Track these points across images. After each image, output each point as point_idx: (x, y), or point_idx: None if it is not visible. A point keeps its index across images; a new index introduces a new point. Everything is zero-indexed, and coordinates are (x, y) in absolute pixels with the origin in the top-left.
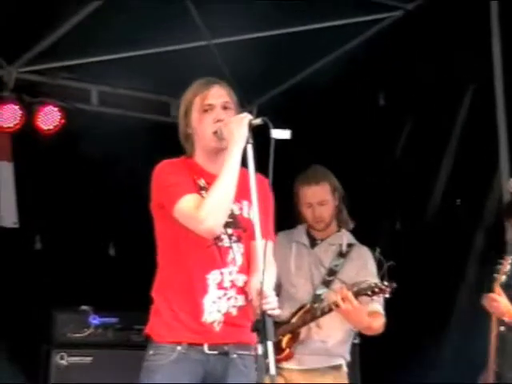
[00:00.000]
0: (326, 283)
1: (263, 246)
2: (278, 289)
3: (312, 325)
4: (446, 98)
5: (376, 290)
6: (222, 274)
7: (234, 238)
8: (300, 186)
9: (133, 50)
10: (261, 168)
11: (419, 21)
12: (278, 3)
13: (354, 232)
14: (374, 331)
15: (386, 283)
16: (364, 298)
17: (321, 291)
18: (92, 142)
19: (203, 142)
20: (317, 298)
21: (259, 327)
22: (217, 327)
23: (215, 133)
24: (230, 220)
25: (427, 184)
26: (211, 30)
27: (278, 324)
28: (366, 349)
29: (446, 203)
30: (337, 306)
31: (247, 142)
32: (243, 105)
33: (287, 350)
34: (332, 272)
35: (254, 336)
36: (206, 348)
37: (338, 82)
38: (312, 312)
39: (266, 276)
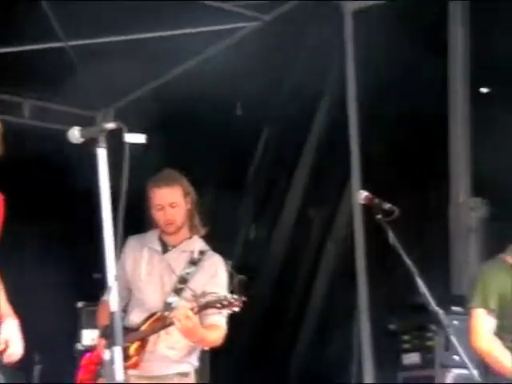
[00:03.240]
0: (177, 291)
1: None
2: (129, 294)
3: (161, 331)
4: (301, 109)
5: (225, 303)
6: None
7: None
8: (151, 188)
9: None
10: (116, 172)
11: (276, 31)
12: (137, 8)
13: (209, 240)
14: (209, 344)
15: (235, 296)
16: (208, 309)
17: (172, 299)
18: None
19: None
20: (168, 307)
21: (107, 333)
22: None
23: None
24: None
25: (282, 194)
26: (67, 31)
27: (127, 330)
28: (217, 356)
29: (299, 213)
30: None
31: (99, 146)
32: (100, 108)
33: (135, 358)
34: (183, 280)
35: None
36: None
37: (197, 88)
38: (162, 321)
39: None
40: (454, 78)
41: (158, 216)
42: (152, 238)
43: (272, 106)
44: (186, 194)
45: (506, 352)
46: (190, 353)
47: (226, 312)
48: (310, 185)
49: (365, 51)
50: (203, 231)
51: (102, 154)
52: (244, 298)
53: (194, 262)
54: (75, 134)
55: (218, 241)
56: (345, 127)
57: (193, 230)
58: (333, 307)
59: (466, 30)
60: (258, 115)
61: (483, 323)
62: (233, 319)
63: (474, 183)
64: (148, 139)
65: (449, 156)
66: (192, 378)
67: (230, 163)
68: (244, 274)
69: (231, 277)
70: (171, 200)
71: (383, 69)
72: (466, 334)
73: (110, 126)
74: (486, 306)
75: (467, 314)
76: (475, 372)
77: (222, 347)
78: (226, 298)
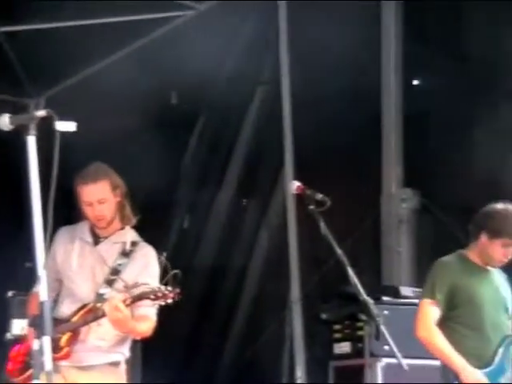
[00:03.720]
0: (109, 282)
1: None
2: (60, 285)
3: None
4: (236, 98)
5: (159, 294)
6: None
7: None
8: (78, 184)
9: None
10: (46, 160)
11: (212, 20)
12: None
13: (142, 231)
14: (138, 335)
15: (169, 288)
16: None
17: (104, 290)
18: None
19: None
20: (100, 298)
21: (36, 322)
22: None
23: None
24: None
25: (216, 183)
26: None
27: (58, 321)
28: (149, 345)
29: (233, 202)
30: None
31: (29, 134)
32: (32, 96)
33: (66, 349)
34: (115, 271)
35: None
36: None
37: (131, 77)
38: (94, 312)
39: None
40: (386, 69)
41: (87, 211)
42: (83, 229)
43: (208, 95)
44: (114, 188)
45: (446, 341)
46: (120, 343)
47: (157, 303)
48: (244, 174)
49: (300, 41)
50: (135, 220)
51: (31, 142)
52: (178, 290)
53: (125, 254)
54: (5, 121)
55: (151, 230)
56: (279, 117)
57: (124, 220)
58: (266, 296)
59: (398, 24)
60: (194, 104)
61: (427, 313)
62: (166, 308)
63: (406, 174)
64: (80, 127)
65: (381, 147)
66: (123, 368)
67: (165, 152)
68: (178, 264)
69: (165, 269)
70: (99, 196)
71: (317, 59)
72: (396, 323)
73: (41, 113)
74: (433, 296)
75: (398, 303)
76: (404, 361)
77: (155, 337)
78: (160, 290)
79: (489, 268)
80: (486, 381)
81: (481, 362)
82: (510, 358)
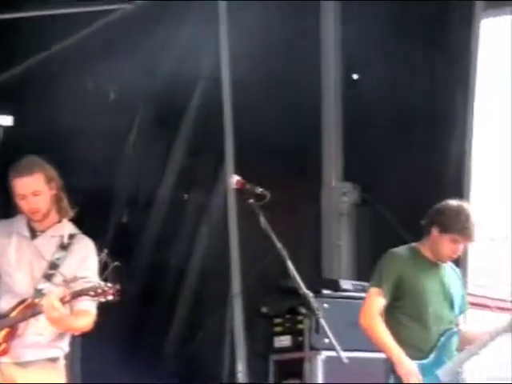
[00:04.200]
0: (48, 277)
1: None
2: None
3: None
4: (177, 93)
5: (99, 291)
6: None
7: None
8: (12, 177)
9: None
10: None
11: (148, 14)
12: None
13: (81, 225)
14: (77, 331)
15: (109, 285)
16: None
17: (43, 285)
18: None
19: None
20: (38, 293)
21: None
22: None
23: None
24: None
25: (156, 177)
26: None
27: None
28: (89, 340)
29: (174, 196)
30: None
31: None
32: None
33: (3, 345)
34: (53, 265)
35: None
36: None
37: (67, 71)
38: (33, 307)
39: None
40: (326, 64)
41: (22, 205)
42: (20, 223)
43: (147, 90)
44: (49, 181)
45: (386, 331)
46: (59, 338)
47: (97, 300)
48: (184, 168)
49: (240, 36)
50: (72, 213)
51: None
52: (118, 287)
53: (63, 247)
54: None
55: (90, 225)
56: (220, 112)
57: (61, 213)
58: (207, 291)
59: (336, 19)
60: (132, 98)
61: (372, 302)
62: (106, 304)
63: (346, 168)
64: (16, 121)
65: (321, 141)
66: (62, 364)
67: (103, 146)
68: (118, 258)
69: (105, 264)
70: (33, 188)
71: (257, 54)
72: (336, 316)
73: None
74: (379, 285)
75: (337, 297)
76: (343, 354)
77: (95, 332)
78: (100, 286)
79: (440, 263)
80: (417, 372)
81: (420, 353)
82: (451, 351)
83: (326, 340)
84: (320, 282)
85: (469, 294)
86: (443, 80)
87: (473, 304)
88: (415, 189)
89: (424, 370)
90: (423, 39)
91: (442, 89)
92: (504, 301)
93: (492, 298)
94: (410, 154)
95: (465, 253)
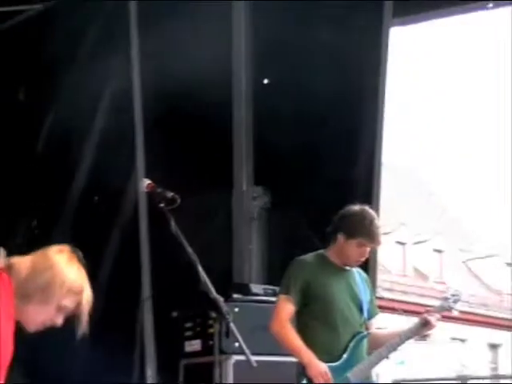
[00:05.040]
0: None
1: None
2: None
3: None
4: (87, 95)
5: None
6: None
7: None
8: None
9: None
10: None
11: (60, 15)
12: None
13: None
14: None
15: None
16: None
17: None
18: None
19: None
20: None
21: None
22: None
23: None
24: None
25: (66, 180)
26: None
27: None
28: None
29: (85, 200)
30: None
31: None
32: None
33: None
34: None
35: None
36: None
37: None
38: None
39: None
40: (237, 68)
41: None
42: None
43: (56, 91)
44: None
45: (296, 336)
46: None
47: None
48: (95, 171)
49: (152, 39)
50: None
51: None
52: None
53: None
54: None
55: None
56: (131, 114)
57: None
58: (118, 295)
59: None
60: (42, 101)
61: (282, 308)
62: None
63: (257, 172)
64: None
65: (232, 145)
66: None
67: (11, 151)
68: None
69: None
70: None
71: (169, 55)
72: (246, 320)
73: None
74: (287, 292)
75: (248, 301)
76: (253, 358)
77: None
78: None
79: (347, 268)
80: (328, 374)
81: (331, 356)
82: (361, 354)
83: (236, 344)
84: (231, 286)
85: (377, 298)
86: (352, 83)
87: (381, 307)
88: (325, 192)
89: (334, 373)
90: (331, 41)
91: (351, 92)
92: (412, 304)
93: (400, 301)
94: (319, 157)
95: (373, 258)
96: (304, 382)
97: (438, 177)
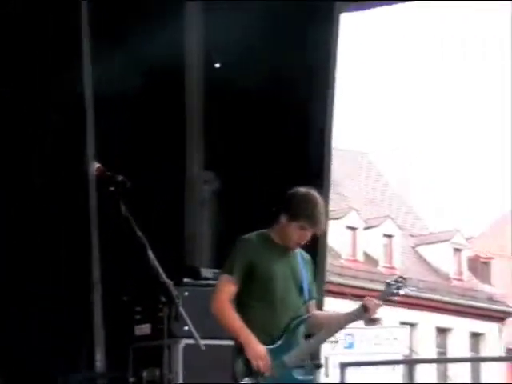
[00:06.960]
0: None
1: None
2: None
3: None
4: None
5: None
6: None
7: None
8: None
9: None
10: None
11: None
12: None
13: None
14: None
15: None
16: None
17: None
18: None
19: None
20: None
21: None
22: None
23: None
24: None
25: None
26: None
27: None
28: None
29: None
30: None
31: None
32: None
33: None
34: None
35: None
36: None
37: None
38: None
39: None
40: (189, 53)
41: None
42: None
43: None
44: None
45: (236, 316)
46: None
47: None
48: (47, 157)
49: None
50: None
51: None
52: None
53: None
54: None
55: None
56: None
57: None
58: (69, 279)
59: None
60: None
61: (222, 288)
62: None
63: (208, 157)
64: None
65: (185, 130)
66: None
67: None
68: None
69: None
70: None
71: (121, 50)
72: (196, 304)
73: None
74: (230, 272)
75: (198, 285)
76: (202, 341)
77: None
78: None
79: (290, 249)
80: (266, 356)
81: (270, 337)
82: (298, 337)
83: (186, 328)
84: (181, 270)
85: (326, 282)
86: (302, 63)
87: (331, 292)
88: (275, 175)
89: (272, 355)
90: (285, 32)
91: (301, 73)
92: (361, 288)
93: (349, 286)
94: (269, 141)
95: (323, 242)
96: (239, 363)
97: (389, 162)
